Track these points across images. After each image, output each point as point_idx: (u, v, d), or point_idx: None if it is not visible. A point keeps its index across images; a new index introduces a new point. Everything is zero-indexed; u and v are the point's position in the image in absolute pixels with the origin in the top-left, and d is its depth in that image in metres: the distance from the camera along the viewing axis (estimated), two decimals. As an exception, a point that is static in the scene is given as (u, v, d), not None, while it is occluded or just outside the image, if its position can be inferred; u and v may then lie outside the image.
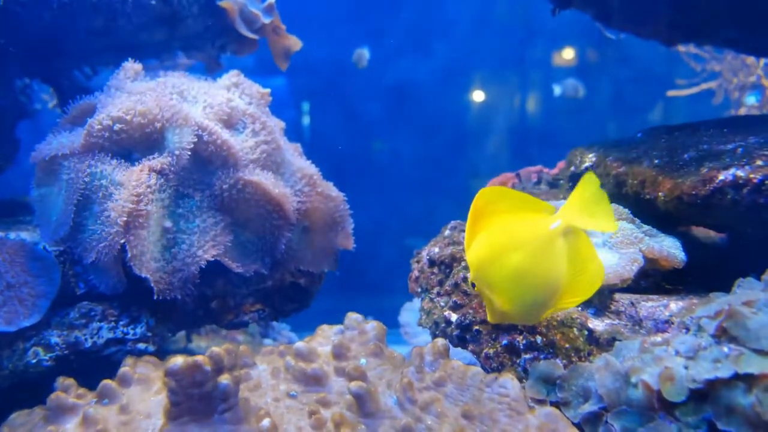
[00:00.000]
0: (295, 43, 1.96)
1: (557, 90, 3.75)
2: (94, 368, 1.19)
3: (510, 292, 0.91)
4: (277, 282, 1.48)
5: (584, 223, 0.87)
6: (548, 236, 0.87)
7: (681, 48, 3.19)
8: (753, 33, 1.63)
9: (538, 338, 1.07)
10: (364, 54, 3.66)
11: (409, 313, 2.34)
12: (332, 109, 4.27)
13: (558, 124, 4.18)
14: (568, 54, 4.22)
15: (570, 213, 0.87)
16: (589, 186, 0.88)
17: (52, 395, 1.03)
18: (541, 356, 1.05)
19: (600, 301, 1.09)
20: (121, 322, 1.26)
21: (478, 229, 0.94)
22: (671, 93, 3.35)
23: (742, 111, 3.22)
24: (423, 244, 1.54)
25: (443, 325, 1.25)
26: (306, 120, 4.26)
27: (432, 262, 1.39)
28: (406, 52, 4.28)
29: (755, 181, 1.00)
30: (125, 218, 1.17)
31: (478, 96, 4.34)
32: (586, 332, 1.04)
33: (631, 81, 4.00)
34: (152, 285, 1.20)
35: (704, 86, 3.27)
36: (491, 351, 1.13)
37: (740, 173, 1.02)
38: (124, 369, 1.10)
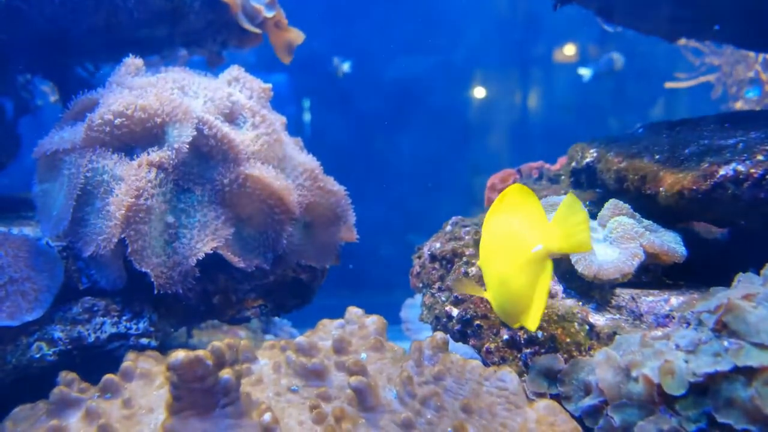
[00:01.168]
0: (297, 36, 1.96)
1: (587, 73, 3.66)
2: (97, 363, 1.19)
3: (493, 293, 0.98)
4: (278, 277, 1.49)
5: (564, 247, 0.90)
6: (528, 257, 0.90)
7: (682, 42, 3.18)
8: (754, 28, 1.63)
9: (539, 333, 1.07)
10: (339, 63, 3.63)
11: (411, 309, 2.34)
12: (333, 105, 4.27)
13: (559, 119, 4.18)
14: (570, 50, 4.21)
15: (551, 238, 0.90)
16: (570, 209, 0.90)
17: (55, 389, 1.04)
18: (542, 351, 1.06)
19: (601, 296, 1.10)
20: (124, 317, 1.26)
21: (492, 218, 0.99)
22: (669, 84, 3.35)
23: (738, 105, 3.22)
24: (423, 241, 1.54)
25: (444, 319, 1.26)
26: (307, 116, 4.26)
27: (433, 258, 1.39)
28: (408, 49, 4.28)
29: (756, 175, 1.00)
30: (123, 212, 1.17)
31: (479, 92, 4.33)
32: (586, 327, 1.04)
33: (632, 77, 3.99)
34: (153, 280, 1.20)
35: (702, 79, 3.26)
36: (492, 345, 1.13)
37: (741, 168, 1.02)
38: (127, 364, 1.10)
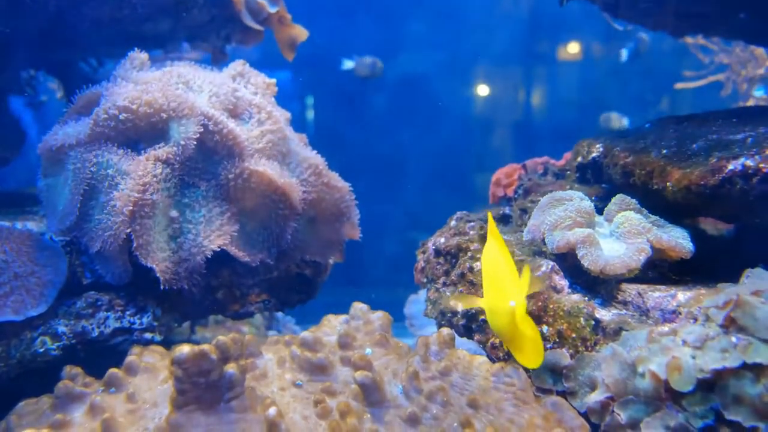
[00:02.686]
0: (301, 33, 1.95)
1: (623, 53, 3.63)
2: (101, 357, 1.19)
3: (487, 316, 1.01)
4: (282, 272, 1.48)
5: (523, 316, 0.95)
6: (506, 307, 0.94)
7: (689, 40, 3.16)
8: (763, 23, 1.61)
9: (545, 328, 1.06)
10: (370, 63, 3.51)
11: (414, 305, 2.34)
12: (337, 102, 4.26)
13: (562, 116, 4.17)
14: (574, 48, 4.19)
15: (521, 302, 0.95)
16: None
17: (60, 384, 1.03)
18: (548, 346, 1.05)
19: (607, 291, 1.09)
20: (128, 312, 1.26)
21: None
22: (679, 85, 3.33)
23: (750, 103, 3.20)
24: (426, 237, 1.53)
25: (449, 314, 1.25)
26: (310, 113, 4.25)
27: (438, 253, 1.39)
28: (412, 45, 4.27)
29: (765, 170, 0.99)
30: (131, 207, 1.17)
31: (483, 89, 4.32)
32: (593, 322, 1.04)
33: (637, 73, 3.97)
34: (158, 275, 1.20)
35: (712, 78, 3.24)
36: (497, 341, 1.13)
37: (750, 163, 1.01)
38: (131, 358, 1.10)
